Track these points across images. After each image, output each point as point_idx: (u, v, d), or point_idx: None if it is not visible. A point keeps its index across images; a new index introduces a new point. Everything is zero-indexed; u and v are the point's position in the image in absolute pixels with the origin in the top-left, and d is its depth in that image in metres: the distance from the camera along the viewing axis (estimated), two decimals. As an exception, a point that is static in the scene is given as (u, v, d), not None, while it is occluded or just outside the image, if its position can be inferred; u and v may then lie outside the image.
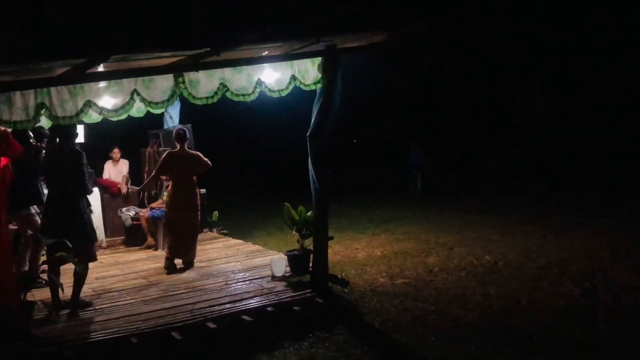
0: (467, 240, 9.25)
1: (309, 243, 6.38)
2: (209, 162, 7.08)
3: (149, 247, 8.34)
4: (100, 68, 5.11)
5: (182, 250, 6.96)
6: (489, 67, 20.91)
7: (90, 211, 5.64)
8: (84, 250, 5.36)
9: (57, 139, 5.56)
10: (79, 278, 5.34)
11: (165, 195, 8.41)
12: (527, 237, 9.29)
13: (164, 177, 8.63)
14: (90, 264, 5.57)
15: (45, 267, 5.70)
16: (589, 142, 19.19)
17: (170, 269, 6.81)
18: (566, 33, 19.04)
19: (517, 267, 7.33)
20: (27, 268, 6.16)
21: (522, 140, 20.72)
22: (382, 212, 12.68)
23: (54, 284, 5.25)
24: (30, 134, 6.26)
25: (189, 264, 6.99)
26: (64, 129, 5.34)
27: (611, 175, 15.89)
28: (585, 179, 16.06)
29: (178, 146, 6.96)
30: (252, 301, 5.51)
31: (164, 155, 7.10)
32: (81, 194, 5.42)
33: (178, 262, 7.00)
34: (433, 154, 17.33)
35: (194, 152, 7.15)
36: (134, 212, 8.69)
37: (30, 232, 6.28)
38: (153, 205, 8.47)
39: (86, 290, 5.89)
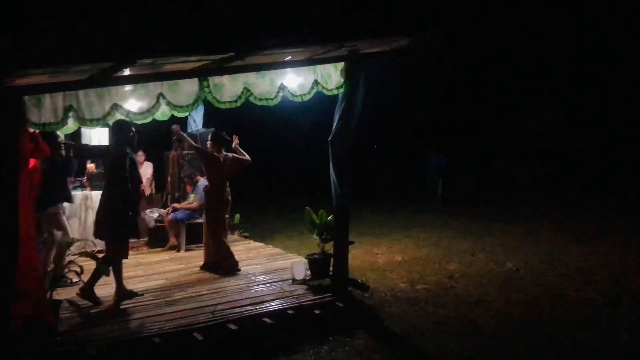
0: (488, 246, 9.18)
1: (329, 247, 6.40)
2: (244, 157, 7.06)
3: (171, 249, 8.43)
4: (127, 72, 5.20)
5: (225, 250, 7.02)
6: (511, 73, 20.76)
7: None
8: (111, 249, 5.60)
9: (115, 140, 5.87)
10: (98, 274, 5.55)
11: (191, 197, 8.51)
12: (550, 244, 9.20)
13: (187, 180, 8.73)
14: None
15: (71, 266, 5.81)
16: (612, 149, 18.92)
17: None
18: (582, 40, 18.85)
19: (539, 275, 7.26)
20: (51, 267, 6.28)
21: (544, 147, 20.53)
22: (403, 218, 12.65)
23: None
24: (59, 134, 6.40)
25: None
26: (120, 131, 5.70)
27: (636, 182, 15.65)
28: (611, 186, 15.83)
29: (215, 149, 6.93)
30: (272, 304, 5.55)
31: (213, 154, 6.94)
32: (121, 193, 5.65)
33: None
34: (455, 160, 17.22)
35: (230, 154, 7.09)
36: (158, 214, 8.80)
37: (56, 231, 6.39)
38: (181, 206, 8.54)
39: (109, 290, 6.00)
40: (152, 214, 8.81)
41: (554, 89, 20.56)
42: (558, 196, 15.54)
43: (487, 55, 19.70)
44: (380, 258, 8.53)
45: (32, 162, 5.34)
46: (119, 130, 5.76)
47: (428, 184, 15.20)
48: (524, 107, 21.23)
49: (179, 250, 8.30)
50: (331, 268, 6.26)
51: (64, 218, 6.52)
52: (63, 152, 6.47)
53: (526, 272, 7.40)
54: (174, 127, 7.08)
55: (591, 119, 19.67)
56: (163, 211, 8.85)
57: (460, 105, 22.26)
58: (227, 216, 7.25)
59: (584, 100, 19.90)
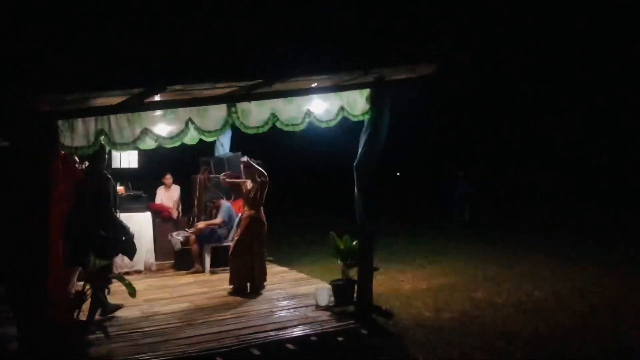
0: (516, 275, 9.02)
1: (353, 273, 6.36)
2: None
3: (196, 272, 8.48)
4: (158, 97, 5.32)
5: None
6: (531, 92, 20.62)
7: (126, 233, 5.95)
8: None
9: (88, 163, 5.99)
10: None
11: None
12: (580, 274, 8.99)
13: (210, 205, 8.88)
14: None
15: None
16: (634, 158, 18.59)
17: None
18: (603, 52, 18.65)
19: (569, 305, 7.09)
20: (75, 289, 6.35)
21: (575, 168, 20.26)
22: (428, 244, 12.52)
23: (96, 302, 5.56)
24: (76, 159, 6.52)
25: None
26: (95, 155, 5.70)
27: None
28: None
29: (251, 177, 7.29)
30: (296, 330, 5.52)
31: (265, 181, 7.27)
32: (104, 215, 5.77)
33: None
34: (481, 185, 17.07)
35: None
36: (183, 237, 8.88)
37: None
38: (206, 223, 8.64)
39: (134, 312, 6.05)
40: (178, 237, 8.89)
41: (574, 98, 20.32)
42: (594, 220, 15.20)
43: (506, 66, 19.58)
44: (405, 285, 8.45)
45: (65, 185, 5.45)
46: (99, 160, 5.90)
47: (454, 209, 15.09)
48: (545, 119, 20.98)
49: (203, 272, 8.36)
50: (355, 294, 6.21)
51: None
52: None
53: (555, 302, 7.24)
54: (225, 175, 7.66)
55: (613, 128, 19.36)
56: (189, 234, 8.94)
57: (482, 120, 22.12)
58: None
59: (606, 109, 19.62)
